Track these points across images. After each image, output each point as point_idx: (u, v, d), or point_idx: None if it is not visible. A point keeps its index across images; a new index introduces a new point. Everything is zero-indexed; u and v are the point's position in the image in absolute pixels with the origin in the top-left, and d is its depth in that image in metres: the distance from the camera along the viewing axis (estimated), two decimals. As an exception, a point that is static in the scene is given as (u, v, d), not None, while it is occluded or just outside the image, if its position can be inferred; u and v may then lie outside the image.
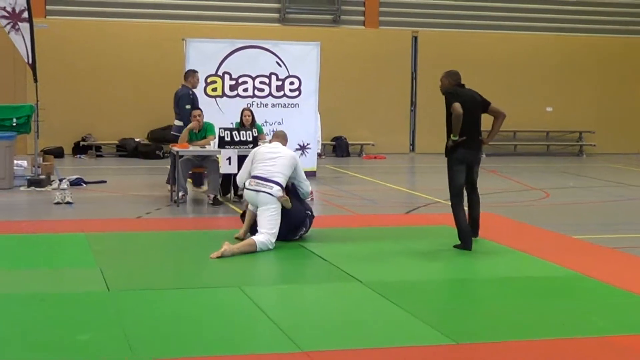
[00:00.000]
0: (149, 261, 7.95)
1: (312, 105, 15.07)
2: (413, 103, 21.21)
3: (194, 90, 13.01)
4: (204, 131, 12.02)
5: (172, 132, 12.79)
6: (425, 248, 8.63)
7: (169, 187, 12.11)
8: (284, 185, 8.53)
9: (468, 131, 8.40)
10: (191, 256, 8.14)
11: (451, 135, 8.35)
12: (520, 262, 8.16)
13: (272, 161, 8.63)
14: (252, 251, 8.20)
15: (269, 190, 8.42)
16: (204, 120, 12.12)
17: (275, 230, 8.37)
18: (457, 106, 8.24)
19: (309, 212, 8.85)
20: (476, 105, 8.53)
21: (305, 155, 14.96)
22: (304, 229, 8.76)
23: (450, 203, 8.64)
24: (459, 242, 8.59)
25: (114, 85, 19.13)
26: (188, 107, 12.61)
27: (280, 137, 9.06)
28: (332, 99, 18.81)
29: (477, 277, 7.76)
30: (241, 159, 11.25)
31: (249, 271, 7.75)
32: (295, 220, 8.63)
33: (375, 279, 7.22)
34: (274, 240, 8.34)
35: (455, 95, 8.39)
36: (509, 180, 15.62)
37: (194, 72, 13.14)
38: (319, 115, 15.45)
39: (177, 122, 12.63)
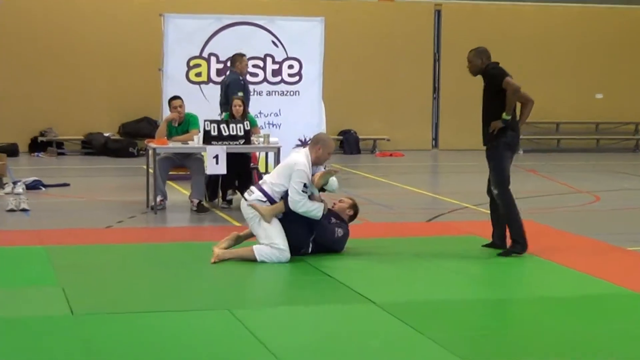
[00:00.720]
0: (120, 279, 7.93)
1: (314, 93, 15.07)
2: (436, 90, 21.21)
3: (243, 77, 13.10)
4: (186, 124, 12.01)
5: None
6: (451, 262, 8.64)
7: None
8: (270, 194, 8.49)
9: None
10: (171, 273, 8.12)
11: (503, 115, 8.61)
12: (565, 279, 8.16)
13: (277, 166, 8.96)
14: (251, 258, 8.34)
15: (246, 196, 8.59)
16: (186, 111, 12.11)
17: (280, 242, 8.37)
18: (511, 80, 8.57)
19: (311, 240, 8.67)
20: None
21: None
22: (302, 250, 8.69)
23: (498, 196, 8.81)
24: (501, 250, 8.83)
25: (79, 70, 19.15)
26: (240, 94, 12.67)
27: (312, 141, 8.86)
28: (338, 85, 18.81)
29: (513, 297, 7.76)
30: (230, 157, 11.26)
31: (241, 291, 7.76)
32: (293, 240, 8.56)
33: (391, 299, 7.21)
34: (280, 253, 8.35)
35: (502, 70, 8.69)
36: (550, 181, 15.60)
37: (241, 56, 13.24)
38: (322, 105, 15.44)
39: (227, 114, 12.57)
